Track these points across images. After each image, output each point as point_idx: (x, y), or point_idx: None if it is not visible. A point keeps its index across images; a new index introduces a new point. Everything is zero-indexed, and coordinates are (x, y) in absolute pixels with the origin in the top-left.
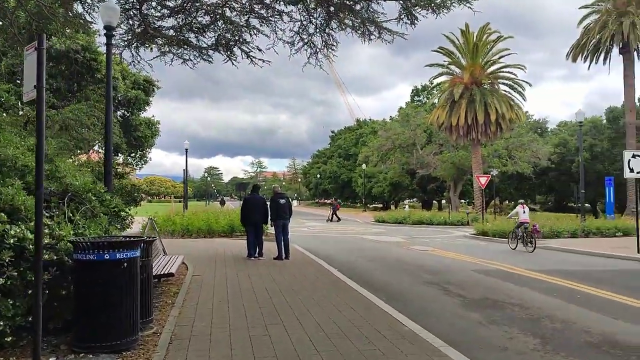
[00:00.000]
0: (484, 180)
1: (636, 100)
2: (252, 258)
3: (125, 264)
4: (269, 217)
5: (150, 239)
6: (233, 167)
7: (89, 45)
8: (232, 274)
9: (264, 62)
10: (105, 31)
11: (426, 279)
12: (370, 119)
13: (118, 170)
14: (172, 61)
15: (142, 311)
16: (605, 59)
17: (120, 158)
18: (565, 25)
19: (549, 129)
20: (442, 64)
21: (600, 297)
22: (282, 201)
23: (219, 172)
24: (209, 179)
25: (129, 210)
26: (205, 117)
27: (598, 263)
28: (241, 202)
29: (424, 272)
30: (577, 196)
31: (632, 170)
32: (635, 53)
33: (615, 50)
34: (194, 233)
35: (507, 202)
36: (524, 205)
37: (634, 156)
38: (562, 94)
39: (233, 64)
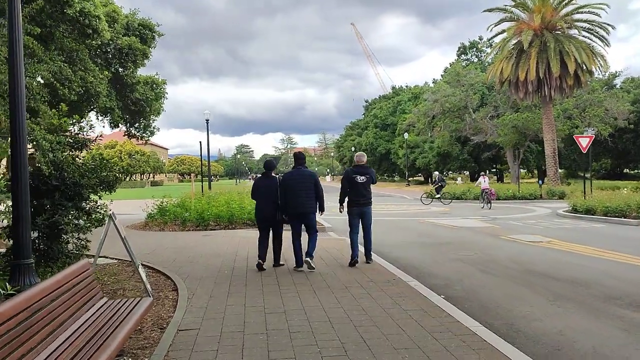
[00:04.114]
0: (585, 142)
1: None
2: (300, 269)
3: None
4: (339, 201)
5: None
6: (264, 145)
7: None
8: (257, 322)
9: None
10: None
11: (625, 319)
12: (407, 86)
13: (76, 137)
14: None
15: None
16: None
17: (121, 128)
18: None
19: (617, 85)
20: (503, 8)
21: None
22: (362, 179)
23: (250, 149)
24: (238, 156)
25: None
26: (234, 96)
27: None
28: (279, 181)
29: (603, 298)
30: None
31: None
32: None
33: None
34: (210, 222)
35: (563, 170)
36: (485, 176)
37: None
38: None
39: None
